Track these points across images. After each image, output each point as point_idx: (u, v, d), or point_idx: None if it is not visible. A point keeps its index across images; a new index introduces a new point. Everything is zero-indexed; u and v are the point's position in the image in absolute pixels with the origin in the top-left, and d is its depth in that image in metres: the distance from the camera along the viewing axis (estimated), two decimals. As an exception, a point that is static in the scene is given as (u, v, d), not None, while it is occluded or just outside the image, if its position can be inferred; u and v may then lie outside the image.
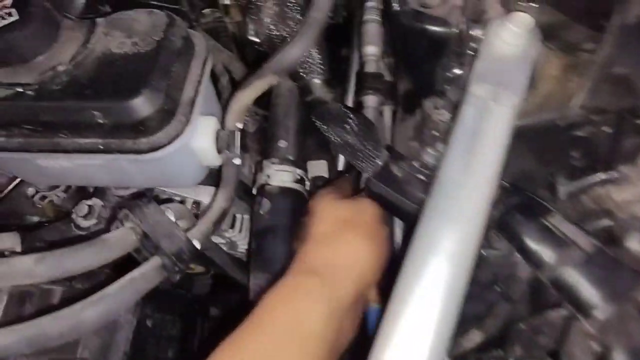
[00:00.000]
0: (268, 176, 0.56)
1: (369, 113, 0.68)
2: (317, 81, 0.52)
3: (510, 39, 0.39)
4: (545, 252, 0.34)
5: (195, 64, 0.45)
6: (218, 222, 0.41)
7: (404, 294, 0.31)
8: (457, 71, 0.50)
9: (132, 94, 0.37)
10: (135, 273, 0.32)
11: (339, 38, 0.72)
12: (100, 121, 0.38)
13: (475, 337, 0.61)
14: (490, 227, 0.41)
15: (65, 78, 0.39)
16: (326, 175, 0.71)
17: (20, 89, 0.38)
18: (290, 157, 0.59)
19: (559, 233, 0.35)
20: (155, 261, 0.33)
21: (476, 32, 0.47)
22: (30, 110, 0.38)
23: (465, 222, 0.32)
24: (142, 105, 0.37)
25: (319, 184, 0.69)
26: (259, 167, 0.59)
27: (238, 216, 0.66)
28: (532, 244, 0.35)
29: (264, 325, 0.33)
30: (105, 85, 0.38)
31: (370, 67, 0.71)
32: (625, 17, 0.37)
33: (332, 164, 0.75)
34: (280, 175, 0.56)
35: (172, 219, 0.37)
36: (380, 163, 0.47)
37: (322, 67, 0.51)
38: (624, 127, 0.40)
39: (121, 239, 0.33)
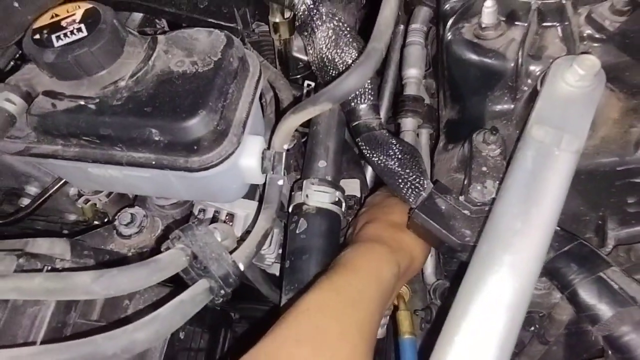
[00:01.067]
0: (307, 196, 0.56)
1: (407, 136, 0.68)
2: (364, 106, 0.51)
3: (575, 80, 0.38)
4: (602, 309, 0.33)
5: (249, 84, 0.45)
6: (261, 244, 0.41)
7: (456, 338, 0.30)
8: (509, 106, 0.49)
9: (190, 115, 0.38)
10: (185, 296, 0.32)
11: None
12: (157, 138, 0.38)
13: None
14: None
15: (126, 94, 0.40)
16: (358, 194, 0.71)
17: (82, 102, 0.39)
18: (329, 178, 0.58)
19: (617, 288, 0.34)
20: (203, 284, 0.33)
21: (534, 67, 0.46)
22: (90, 123, 0.39)
23: (520, 272, 0.32)
24: (198, 126, 0.38)
25: (350, 203, 0.69)
26: (296, 186, 0.59)
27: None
28: (587, 298, 0.34)
29: (349, 270, 0.40)
30: (163, 104, 0.38)
31: (411, 90, 0.71)
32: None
33: (364, 183, 0.75)
34: (318, 196, 0.56)
35: (219, 239, 0.37)
36: (424, 194, 0.47)
37: (371, 93, 0.51)
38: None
39: (173, 261, 0.33)
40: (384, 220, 0.52)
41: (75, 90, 0.40)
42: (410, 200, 0.48)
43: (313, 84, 0.69)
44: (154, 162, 0.40)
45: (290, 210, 0.58)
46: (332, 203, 0.56)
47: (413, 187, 0.48)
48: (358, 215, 0.61)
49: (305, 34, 0.53)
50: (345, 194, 0.65)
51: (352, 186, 0.71)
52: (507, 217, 0.33)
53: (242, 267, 0.36)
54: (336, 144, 0.62)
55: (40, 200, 0.58)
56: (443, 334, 0.30)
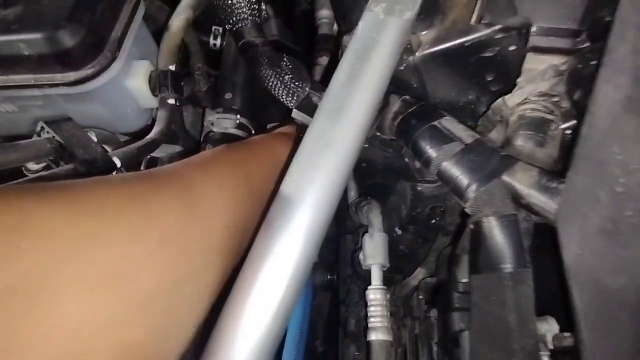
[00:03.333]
0: (212, 124, 0.59)
1: (319, 72, 0.72)
2: (246, 25, 0.54)
3: (406, -40, 0.41)
4: (432, 149, 0.36)
5: (126, 9, 0.48)
6: (145, 149, 0.44)
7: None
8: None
9: (54, 26, 0.41)
10: (45, 173, 0.35)
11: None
12: (26, 53, 0.41)
13: (419, 275, 0.63)
14: (394, 138, 0.43)
15: (-4, 17, 0.42)
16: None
17: (-44, 29, 0.42)
18: (235, 107, 0.61)
19: (445, 131, 0.37)
20: (69, 166, 0.37)
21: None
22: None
23: (351, 119, 0.35)
24: (63, 36, 0.41)
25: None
26: (205, 118, 0.62)
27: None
28: (423, 144, 0.37)
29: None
30: (29, 20, 0.41)
31: (324, 30, 0.74)
32: None
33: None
34: (222, 123, 0.59)
35: (94, 139, 0.40)
36: (302, 95, 0.50)
37: (249, 12, 0.54)
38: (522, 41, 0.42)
39: (35, 145, 0.36)
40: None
41: (-51, 19, 0.42)
42: (292, 103, 0.51)
43: (221, 28, 0.72)
44: (32, 81, 0.43)
45: (202, 139, 0.61)
46: (235, 128, 0.59)
47: (296, 93, 0.52)
48: None
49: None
50: None
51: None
52: (340, 78, 0.36)
53: (117, 162, 0.40)
54: (244, 76, 0.65)
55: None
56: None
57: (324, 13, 0.76)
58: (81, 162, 0.36)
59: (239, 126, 0.59)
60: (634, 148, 0.29)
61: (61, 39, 0.41)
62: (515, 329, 0.30)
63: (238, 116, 0.59)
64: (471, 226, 0.33)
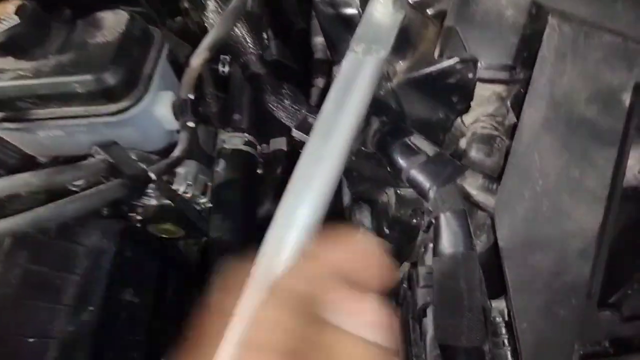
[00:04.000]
0: (223, 141, 0.69)
1: (316, 93, 0.82)
2: (251, 58, 0.65)
3: (381, 8, 0.52)
4: (402, 161, 0.46)
5: (153, 50, 0.58)
6: (172, 165, 0.54)
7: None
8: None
9: (101, 69, 0.51)
10: (104, 186, 0.45)
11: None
12: (80, 91, 0.51)
13: (404, 268, 0.73)
14: (372, 152, 0.53)
15: (54, 62, 0.53)
16: (285, 148, 0.85)
17: (21, 72, 0.52)
18: (243, 127, 0.72)
19: (413, 146, 0.47)
20: (118, 181, 0.46)
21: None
22: (29, 87, 0.52)
23: (338, 137, 0.44)
24: (107, 77, 0.51)
25: (279, 154, 0.82)
26: (218, 137, 0.72)
27: (210, 185, 0.79)
28: (396, 156, 0.47)
29: None
30: (81, 65, 0.52)
31: (319, 55, 0.85)
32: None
33: (290, 141, 0.89)
34: (232, 140, 0.69)
35: (134, 157, 0.50)
36: (300, 117, 0.60)
37: (254, 47, 0.64)
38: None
39: (92, 165, 0.46)
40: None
41: (15, 65, 0.53)
42: (291, 124, 0.61)
43: (228, 57, 0.82)
44: (83, 112, 0.53)
45: (215, 155, 0.71)
46: (243, 144, 0.70)
47: (294, 115, 0.62)
48: None
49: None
50: (275, 147, 0.79)
51: (280, 142, 0.85)
52: (327, 109, 0.46)
53: (152, 176, 0.49)
54: (249, 99, 0.76)
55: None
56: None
57: (319, 40, 0.87)
58: (127, 177, 0.46)
59: (247, 143, 0.69)
60: (549, 157, 0.39)
61: (107, 79, 0.51)
62: (465, 297, 0.39)
63: (246, 134, 0.69)
64: (432, 220, 0.42)
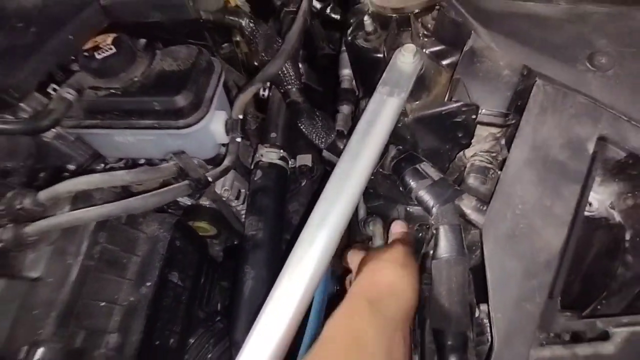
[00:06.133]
0: (261, 155, 0.82)
1: (341, 118, 0.94)
2: (292, 89, 0.77)
3: (404, 58, 0.64)
4: (413, 183, 0.57)
5: (214, 78, 0.72)
6: (224, 172, 0.66)
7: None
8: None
9: (175, 92, 0.64)
10: (174, 185, 0.57)
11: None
12: (157, 108, 0.64)
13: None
14: (390, 173, 0.64)
15: (139, 84, 0.66)
16: (310, 164, 0.97)
17: (112, 91, 0.66)
18: (278, 144, 0.84)
19: (422, 172, 0.58)
20: (185, 183, 0.58)
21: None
22: (117, 103, 0.65)
23: (363, 160, 0.56)
24: (180, 99, 0.64)
25: (304, 169, 0.94)
26: (256, 152, 0.85)
27: (242, 190, 0.91)
28: (408, 179, 0.58)
29: (329, 344, 0.43)
30: (160, 87, 0.65)
31: (345, 85, 0.98)
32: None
33: (316, 157, 1.01)
34: (269, 155, 0.81)
35: (196, 163, 0.62)
36: (329, 141, 0.72)
37: (295, 80, 0.77)
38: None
39: (168, 167, 0.59)
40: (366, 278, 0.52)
41: (108, 84, 0.66)
42: (321, 145, 0.73)
43: (268, 83, 0.96)
44: (156, 125, 0.66)
45: (252, 167, 0.83)
46: (278, 159, 0.82)
47: (325, 138, 0.74)
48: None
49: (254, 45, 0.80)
50: (301, 163, 0.91)
51: (306, 159, 0.97)
52: (357, 134, 0.58)
53: (210, 179, 0.62)
54: (284, 121, 0.88)
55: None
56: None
57: (346, 72, 0.99)
58: (192, 180, 0.58)
59: (281, 158, 0.82)
60: (528, 188, 0.50)
61: (179, 101, 0.64)
62: (454, 292, 0.50)
63: (281, 151, 0.82)
64: (434, 231, 0.54)
